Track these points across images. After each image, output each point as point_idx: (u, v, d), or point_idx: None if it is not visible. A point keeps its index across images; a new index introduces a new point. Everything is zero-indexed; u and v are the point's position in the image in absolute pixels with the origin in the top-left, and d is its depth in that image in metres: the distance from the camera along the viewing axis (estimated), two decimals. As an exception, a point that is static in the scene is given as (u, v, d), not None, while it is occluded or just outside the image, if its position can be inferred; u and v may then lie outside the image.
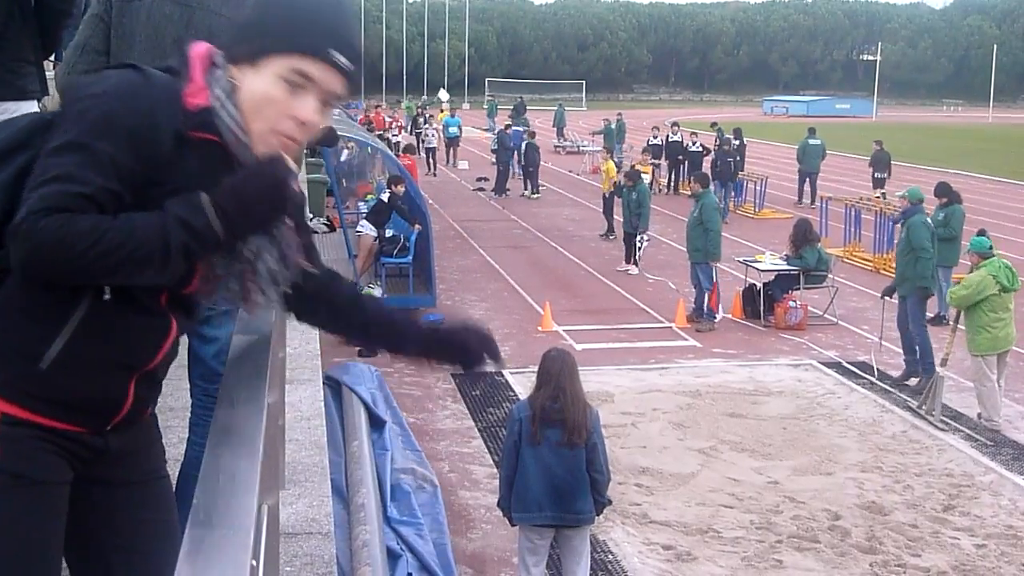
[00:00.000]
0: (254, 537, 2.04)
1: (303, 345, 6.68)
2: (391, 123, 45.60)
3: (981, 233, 13.31)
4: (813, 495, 10.45)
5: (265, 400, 2.15)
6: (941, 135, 72.71)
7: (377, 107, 57.42)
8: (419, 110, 49.42)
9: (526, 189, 34.17)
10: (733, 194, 30.25)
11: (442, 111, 54.56)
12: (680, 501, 10.25)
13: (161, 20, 3.76)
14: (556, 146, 51.16)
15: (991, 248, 12.89)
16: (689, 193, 23.09)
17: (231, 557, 1.44)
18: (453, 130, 43.74)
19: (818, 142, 32.33)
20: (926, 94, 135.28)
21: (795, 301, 17.25)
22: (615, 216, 25.00)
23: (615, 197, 24.28)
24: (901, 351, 14.74)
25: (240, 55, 2.13)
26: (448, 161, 43.53)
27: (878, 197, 29.40)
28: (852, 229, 23.75)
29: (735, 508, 10.14)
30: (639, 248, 21.55)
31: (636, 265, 21.52)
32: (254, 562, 1.58)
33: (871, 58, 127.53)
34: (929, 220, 14.39)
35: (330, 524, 4.20)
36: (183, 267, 2.09)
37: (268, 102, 2.12)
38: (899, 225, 14.29)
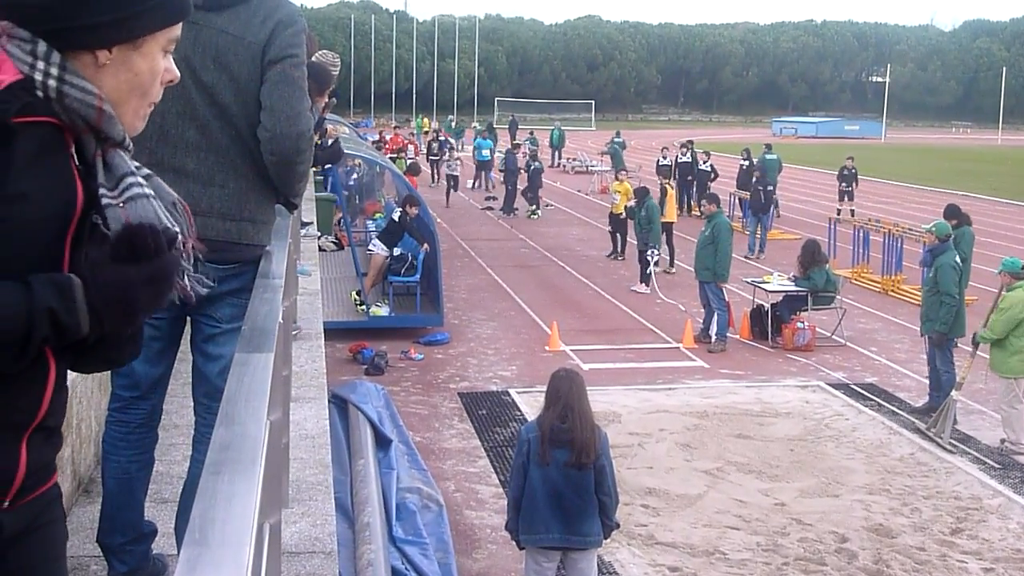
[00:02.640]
0: (254, 556, 2.03)
1: (309, 364, 6.67)
2: (406, 144, 45.41)
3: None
4: (820, 517, 10.40)
5: (265, 417, 2.13)
6: (950, 157, 72.66)
7: (396, 128, 57.44)
8: (435, 134, 48.94)
9: (531, 206, 34.18)
10: (760, 227, 27.02)
11: (474, 130, 54.25)
12: (686, 522, 10.21)
13: None
14: (552, 166, 51.10)
15: (1023, 269, 12.82)
16: (700, 213, 23.10)
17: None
18: (485, 152, 41.49)
19: (774, 157, 34.02)
20: (935, 116, 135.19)
21: (803, 322, 17.21)
22: (628, 238, 25.03)
23: (628, 219, 24.23)
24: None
25: (117, 38, 1.96)
26: (477, 184, 42.03)
27: (843, 211, 30.41)
28: (860, 250, 23.72)
29: (742, 530, 10.09)
30: (651, 263, 21.57)
31: (646, 284, 21.51)
32: (250, 582, 1.57)
33: (880, 80, 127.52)
34: (958, 260, 14.18)
35: (333, 543, 4.19)
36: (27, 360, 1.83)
37: (154, 76, 2.03)
38: (927, 266, 14.10)
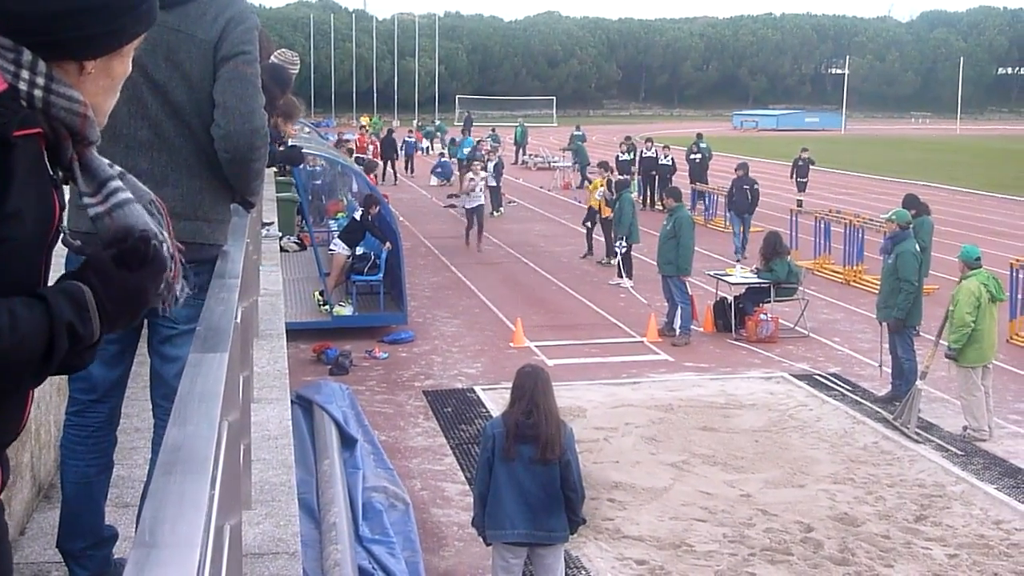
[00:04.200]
0: (212, 557, 2.01)
1: (271, 364, 6.63)
2: (368, 144, 45.30)
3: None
4: (786, 507, 10.45)
5: (218, 418, 2.11)
6: (909, 147, 73.23)
7: (362, 127, 57.34)
8: (388, 132, 48.68)
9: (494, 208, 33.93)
10: (744, 228, 25.73)
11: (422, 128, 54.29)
12: (653, 515, 10.23)
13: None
14: (515, 163, 51.17)
15: (979, 259, 12.92)
16: (663, 207, 23.16)
17: (175, 576, 1.41)
18: (467, 151, 38.57)
19: (705, 146, 35.15)
20: (894, 107, 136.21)
21: (766, 314, 17.30)
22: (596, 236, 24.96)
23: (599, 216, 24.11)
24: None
25: (110, 47, 1.95)
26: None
27: (799, 202, 30.36)
28: (822, 241, 23.85)
29: (708, 522, 10.13)
30: (618, 254, 21.64)
31: (624, 278, 21.53)
32: (202, 582, 1.55)
33: (839, 72, 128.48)
34: (918, 248, 14.30)
35: (297, 544, 4.17)
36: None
37: (125, 77, 2.02)
38: (887, 252, 14.17)
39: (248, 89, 3.96)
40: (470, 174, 28.26)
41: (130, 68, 2.02)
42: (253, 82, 4.00)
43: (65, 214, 1.94)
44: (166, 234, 2.05)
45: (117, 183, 2.01)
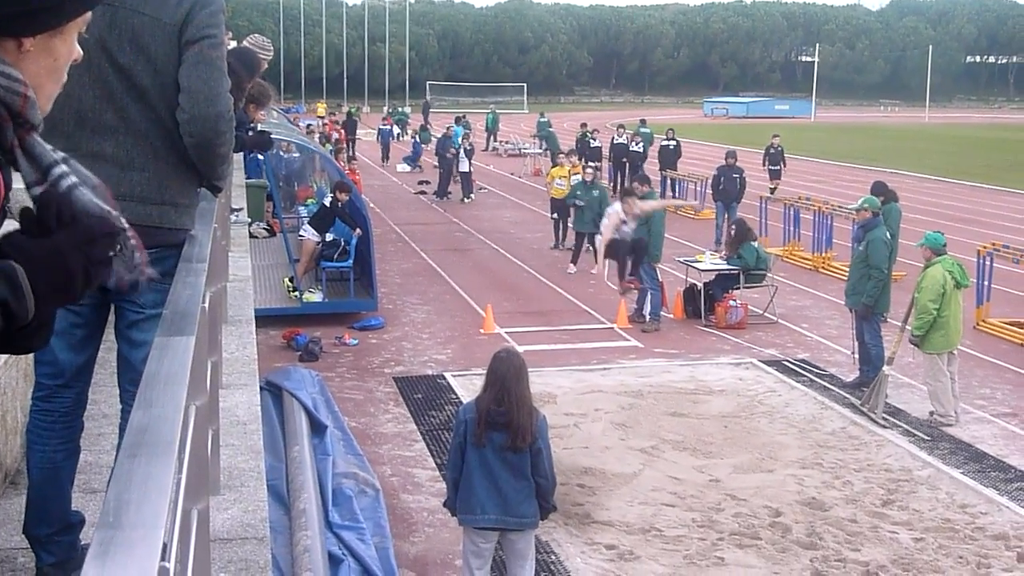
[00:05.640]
0: (179, 541, 2.01)
1: (240, 350, 6.62)
2: (337, 131, 45.45)
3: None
4: (754, 492, 10.50)
5: (184, 401, 2.11)
6: (878, 135, 73.61)
7: (332, 114, 57.41)
8: (348, 117, 48.88)
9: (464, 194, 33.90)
10: (728, 218, 24.30)
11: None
12: (622, 501, 10.26)
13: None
14: (485, 149, 51.23)
15: (945, 246, 13.01)
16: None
17: (138, 559, 1.40)
18: (459, 141, 37.72)
19: (648, 131, 35.87)
20: (864, 94, 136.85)
21: (735, 300, 17.36)
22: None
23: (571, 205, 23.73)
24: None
25: (50, 24, 1.87)
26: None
27: (772, 190, 30.83)
28: (791, 228, 23.93)
29: (677, 507, 10.17)
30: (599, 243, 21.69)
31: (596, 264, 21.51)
32: (166, 564, 1.55)
33: (809, 59, 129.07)
34: (888, 236, 14.41)
35: (266, 529, 4.17)
36: None
37: (70, 59, 1.95)
38: (859, 241, 14.24)
39: (213, 73, 3.95)
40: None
41: (77, 51, 1.96)
42: (219, 66, 3.98)
43: (11, 194, 1.90)
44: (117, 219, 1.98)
45: (62, 168, 1.94)
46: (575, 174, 24.21)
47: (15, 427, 5.35)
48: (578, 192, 22.06)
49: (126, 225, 1.98)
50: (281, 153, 25.22)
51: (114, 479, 1.68)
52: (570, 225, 23.27)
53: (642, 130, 36.19)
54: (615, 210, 11.86)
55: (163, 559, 1.50)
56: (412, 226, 28.13)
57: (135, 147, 3.95)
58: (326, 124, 46.52)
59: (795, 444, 11.93)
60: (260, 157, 20.29)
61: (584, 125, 39.55)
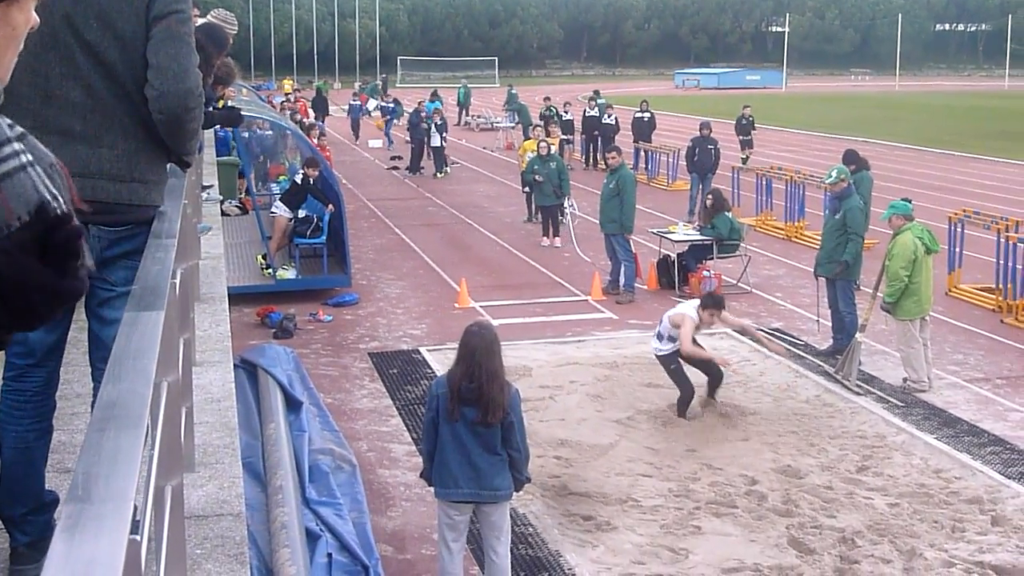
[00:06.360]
0: (154, 517, 2.00)
1: (213, 328, 6.61)
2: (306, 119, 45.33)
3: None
4: (730, 461, 10.55)
5: (153, 376, 2.09)
6: (849, 104, 73.77)
7: (298, 91, 57.04)
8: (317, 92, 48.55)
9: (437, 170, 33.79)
10: (701, 189, 24.23)
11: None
12: (599, 472, 10.29)
13: None
14: (457, 124, 51.12)
15: (912, 212, 13.09)
16: (605, 167, 23.14)
17: (108, 532, 1.39)
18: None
19: (603, 101, 35.60)
20: (834, 64, 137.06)
21: (709, 271, 17.40)
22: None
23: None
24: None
25: None
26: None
27: (744, 160, 31.15)
28: (764, 198, 23.99)
29: (653, 477, 10.21)
30: (568, 212, 21.66)
31: (557, 236, 21.57)
32: (136, 537, 1.54)
33: (780, 29, 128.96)
34: (862, 204, 14.46)
35: (241, 505, 4.17)
36: None
37: (27, 28, 1.88)
38: (835, 211, 14.27)
39: (182, 48, 3.92)
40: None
41: (34, 18, 1.90)
42: (187, 41, 3.95)
43: None
44: (64, 198, 1.84)
45: (12, 147, 1.80)
46: (552, 145, 24.15)
47: (-13, 408, 5.32)
48: (535, 167, 21.99)
49: (68, 210, 1.83)
50: (258, 130, 25.08)
51: (83, 453, 1.67)
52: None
53: (598, 101, 35.88)
54: (691, 317, 11.35)
55: (134, 533, 1.49)
56: (385, 201, 28.06)
57: (104, 124, 3.92)
58: (298, 103, 46.15)
59: (770, 412, 11.98)
60: (229, 131, 20.20)
61: (547, 99, 39.13)
